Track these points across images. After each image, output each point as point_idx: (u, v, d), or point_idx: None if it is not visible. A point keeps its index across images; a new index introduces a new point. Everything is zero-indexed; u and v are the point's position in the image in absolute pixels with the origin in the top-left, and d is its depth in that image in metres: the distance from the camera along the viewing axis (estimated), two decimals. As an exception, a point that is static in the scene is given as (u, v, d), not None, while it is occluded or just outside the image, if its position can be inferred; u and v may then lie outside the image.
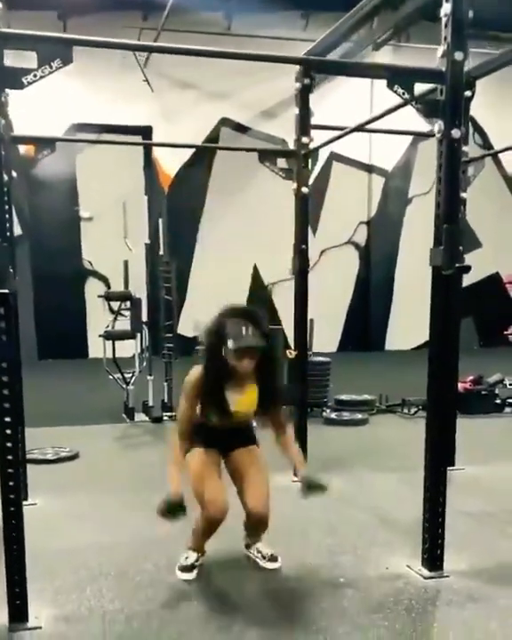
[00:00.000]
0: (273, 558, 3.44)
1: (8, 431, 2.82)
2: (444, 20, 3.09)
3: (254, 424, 3.52)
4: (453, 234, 3.12)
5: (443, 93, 3.12)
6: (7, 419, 2.81)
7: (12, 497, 2.83)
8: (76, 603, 3.04)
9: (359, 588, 3.17)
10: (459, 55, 3.09)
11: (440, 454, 3.33)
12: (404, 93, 3.20)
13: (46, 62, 2.81)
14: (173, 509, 3.05)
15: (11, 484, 2.83)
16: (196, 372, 3.22)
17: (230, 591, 3.21)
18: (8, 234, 2.88)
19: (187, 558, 3.39)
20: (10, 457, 2.83)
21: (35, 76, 2.81)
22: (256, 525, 3.41)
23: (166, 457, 3.37)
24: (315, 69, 4.22)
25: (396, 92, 3.20)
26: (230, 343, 3.08)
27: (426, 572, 3.27)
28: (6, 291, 2.71)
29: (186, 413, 3.24)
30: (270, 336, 3.27)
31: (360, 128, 4.22)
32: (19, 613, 2.84)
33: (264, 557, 3.45)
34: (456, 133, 3.11)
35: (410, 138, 13.04)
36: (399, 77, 3.21)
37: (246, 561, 3.49)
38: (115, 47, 3.55)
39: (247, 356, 3.11)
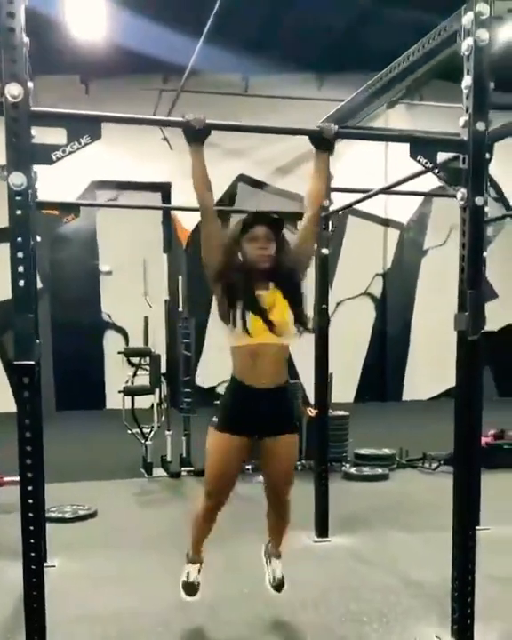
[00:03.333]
0: (280, 585, 3.46)
1: (29, 487, 2.77)
2: (465, 91, 3.16)
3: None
4: (478, 299, 3.14)
5: (465, 162, 3.20)
6: (29, 474, 2.77)
7: (34, 568, 2.76)
8: (97, 675, 2.97)
9: (387, 661, 3.09)
10: (480, 125, 3.14)
11: (470, 520, 3.28)
12: (426, 163, 3.26)
13: (75, 138, 2.88)
14: None
15: (32, 554, 2.76)
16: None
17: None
18: (34, 305, 2.82)
19: (188, 574, 3.39)
20: (31, 514, 2.77)
21: (63, 151, 2.87)
22: (277, 502, 3.36)
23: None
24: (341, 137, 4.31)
25: (418, 161, 3.26)
26: (243, 223, 3.14)
27: (455, 644, 3.18)
28: (32, 362, 2.68)
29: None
30: (281, 220, 3.21)
31: (383, 191, 4.30)
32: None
33: (273, 579, 3.47)
34: (479, 201, 3.16)
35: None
36: (422, 147, 3.28)
37: (269, 624, 3.43)
38: (145, 123, 3.65)
39: (259, 231, 3.13)
